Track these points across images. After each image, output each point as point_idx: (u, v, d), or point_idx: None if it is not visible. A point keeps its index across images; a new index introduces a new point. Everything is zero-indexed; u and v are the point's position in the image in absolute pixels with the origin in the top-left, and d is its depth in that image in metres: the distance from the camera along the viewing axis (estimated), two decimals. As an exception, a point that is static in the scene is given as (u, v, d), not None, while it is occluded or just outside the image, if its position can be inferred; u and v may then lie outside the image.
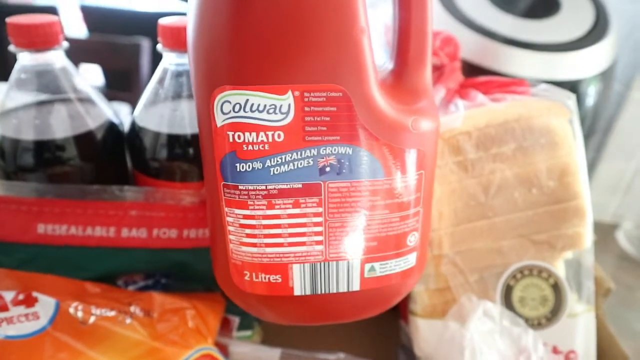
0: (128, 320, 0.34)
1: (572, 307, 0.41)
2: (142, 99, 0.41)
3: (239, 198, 0.29)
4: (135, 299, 0.37)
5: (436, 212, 0.39)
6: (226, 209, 0.29)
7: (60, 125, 0.39)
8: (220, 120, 0.27)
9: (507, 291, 0.40)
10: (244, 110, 0.26)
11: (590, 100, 0.83)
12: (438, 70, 0.45)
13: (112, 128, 0.42)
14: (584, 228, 0.41)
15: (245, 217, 0.29)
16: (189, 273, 0.42)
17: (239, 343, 0.42)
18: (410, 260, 0.33)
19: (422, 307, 0.41)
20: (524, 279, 0.40)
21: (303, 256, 0.30)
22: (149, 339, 0.34)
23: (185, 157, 0.40)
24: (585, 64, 0.54)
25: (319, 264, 0.30)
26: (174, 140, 0.40)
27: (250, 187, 0.28)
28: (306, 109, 0.27)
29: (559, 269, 0.42)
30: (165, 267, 0.41)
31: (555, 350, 0.40)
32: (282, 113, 0.26)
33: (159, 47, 0.39)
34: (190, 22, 0.27)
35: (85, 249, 0.39)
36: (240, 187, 0.28)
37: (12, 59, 0.38)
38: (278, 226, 0.29)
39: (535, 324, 0.40)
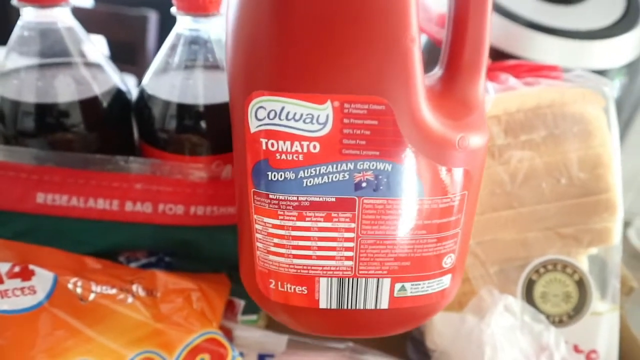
0: (130, 300, 0.32)
1: (596, 306, 0.39)
2: (152, 65, 0.39)
3: (269, 207, 0.27)
4: (137, 277, 0.35)
5: None
6: (255, 216, 0.28)
7: (65, 89, 0.37)
8: (254, 126, 0.25)
9: (529, 286, 0.38)
10: (279, 118, 0.25)
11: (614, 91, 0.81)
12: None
13: (119, 95, 0.40)
14: (614, 223, 0.39)
15: (275, 226, 0.28)
16: (195, 252, 0.40)
17: (244, 327, 0.40)
18: (445, 282, 0.31)
19: None
20: (547, 274, 0.38)
21: (331, 270, 0.29)
22: (152, 320, 0.32)
23: (196, 129, 0.38)
24: (611, 54, 0.52)
25: (347, 279, 0.29)
26: (185, 110, 0.38)
27: (281, 197, 0.27)
28: (345, 120, 0.25)
29: (583, 264, 0.40)
30: (169, 245, 0.39)
31: (576, 349, 0.39)
32: (319, 123, 0.25)
33: (173, 10, 0.36)
34: (229, 20, 0.25)
35: (87, 221, 0.37)
36: (270, 196, 0.27)
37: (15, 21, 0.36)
38: (307, 238, 0.28)
39: (557, 321, 0.38)
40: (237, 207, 0.30)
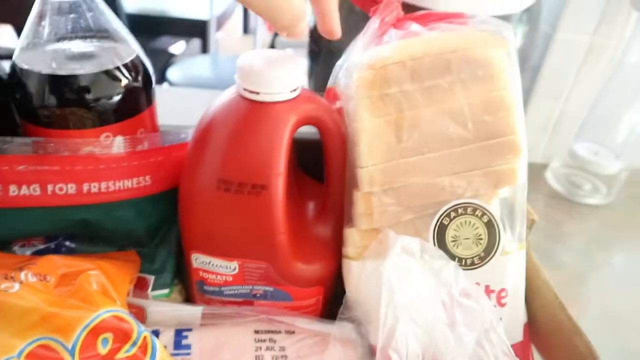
0: (15, 288, 0.30)
1: (505, 246, 0.40)
2: (22, 36, 0.36)
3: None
4: (28, 264, 0.32)
5: (366, 147, 0.37)
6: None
7: None
8: (194, 264, 0.39)
9: (441, 230, 0.39)
10: (209, 265, 0.39)
11: (517, 41, 0.83)
12: (375, 3, 0.42)
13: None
14: (518, 164, 0.39)
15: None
16: (96, 233, 0.38)
17: (156, 303, 0.38)
18: None
19: (354, 249, 0.39)
20: (458, 218, 0.39)
21: None
22: (44, 304, 0.30)
23: (78, 101, 0.35)
24: (511, 1, 0.52)
25: None
26: (64, 82, 0.35)
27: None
28: (245, 268, 0.38)
29: (494, 208, 0.40)
30: (65, 227, 0.37)
31: (488, 290, 0.40)
32: (231, 269, 0.38)
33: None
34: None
35: (-34, 211, 0.34)
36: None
37: None
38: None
39: (469, 264, 0.39)
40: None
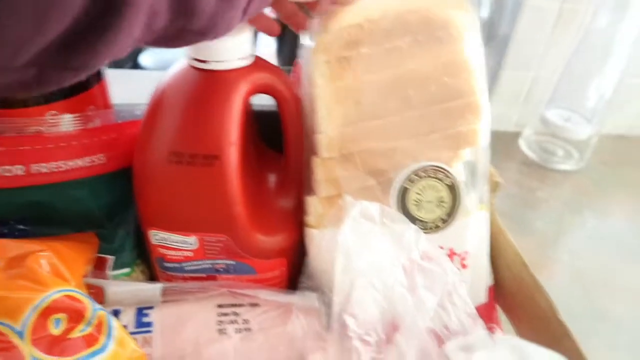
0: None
1: (467, 208, 0.39)
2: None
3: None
4: (-26, 249, 0.32)
5: (324, 112, 0.36)
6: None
7: None
8: (153, 241, 0.39)
9: (402, 194, 0.38)
10: (167, 241, 0.38)
11: (484, 10, 0.82)
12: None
13: None
14: (479, 125, 0.39)
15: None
16: (49, 215, 0.37)
17: (115, 282, 0.38)
18: None
19: (315, 216, 0.38)
20: (420, 181, 0.38)
21: None
22: (-10, 288, 0.29)
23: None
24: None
25: None
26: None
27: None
28: (205, 242, 0.38)
29: (458, 170, 0.40)
30: (15, 210, 0.36)
31: (452, 253, 0.40)
32: (190, 244, 0.38)
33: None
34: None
35: None
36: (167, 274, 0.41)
37: None
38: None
39: (433, 227, 0.39)
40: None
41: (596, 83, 0.82)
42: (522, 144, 0.92)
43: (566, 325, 0.35)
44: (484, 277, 0.41)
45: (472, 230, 0.40)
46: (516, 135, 0.95)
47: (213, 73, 0.33)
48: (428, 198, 0.39)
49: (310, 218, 0.38)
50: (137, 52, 2.07)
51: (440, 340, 0.32)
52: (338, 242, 0.31)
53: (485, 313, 0.40)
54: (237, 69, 0.33)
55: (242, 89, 0.33)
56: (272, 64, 0.36)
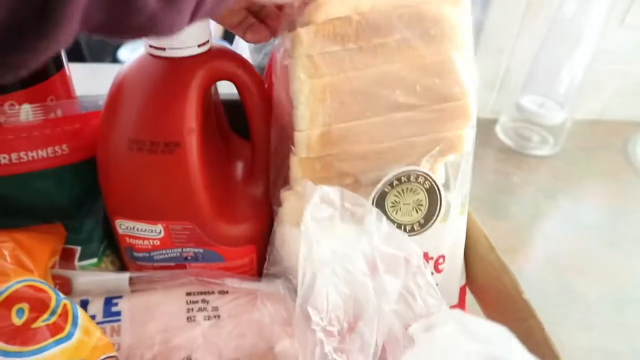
0: None
1: (446, 213, 0.38)
2: None
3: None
4: None
5: (306, 110, 0.34)
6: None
7: None
8: (120, 231, 0.39)
9: (381, 196, 0.37)
10: (134, 230, 0.38)
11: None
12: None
13: None
14: (466, 130, 0.37)
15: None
16: (13, 207, 0.37)
17: (83, 273, 0.38)
18: None
19: (291, 212, 0.37)
20: (400, 185, 0.37)
21: None
22: (-50, 281, 0.29)
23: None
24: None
25: None
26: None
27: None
28: (171, 230, 0.38)
29: (438, 174, 0.38)
30: (-23, 202, 0.36)
31: (426, 257, 0.39)
32: (156, 232, 0.38)
33: None
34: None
35: None
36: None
37: None
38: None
39: (408, 230, 0.38)
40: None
41: (567, 68, 0.84)
42: (499, 130, 0.93)
43: (531, 305, 0.35)
44: (456, 280, 0.41)
45: (450, 234, 0.39)
46: (493, 122, 0.96)
47: (170, 60, 0.33)
48: (406, 201, 0.38)
49: (284, 212, 0.37)
50: (116, 47, 2.05)
51: (406, 323, 0.32)
52: (300, 231, 0.31)
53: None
54: (194, 55, 0.33)
55: (200, 75, 0.33)
56: (231, 51, 0.36)
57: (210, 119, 0.38)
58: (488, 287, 0.40)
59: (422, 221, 0.38)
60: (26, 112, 0.36)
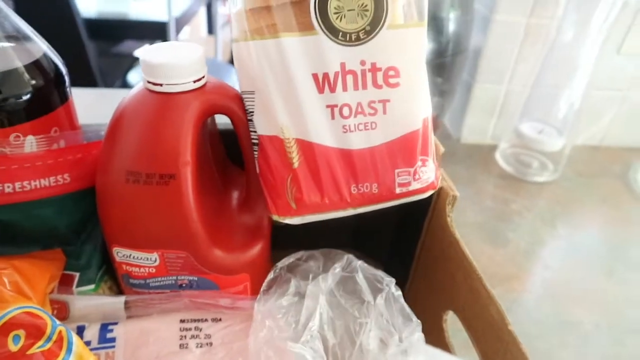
0: None
1: (395, 19, 0.35)
2: None
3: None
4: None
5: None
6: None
7: None
8: (117, 258, 0.40)
9: (322, 2, 0.34)
10: (130, 257, 0.39)
11: (450, 25, 0.85)
12: None
13: None
14: None
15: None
16: (18, 233, 0.38)
17: (78, 297, 0.39)
18: None
19: (243, 30, 0.35)
20: None
21: None
22: (-52, 308, 0.30)
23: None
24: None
25: None
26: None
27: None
28: (166, 258, 0.39)
29: None
30: (-17, 230, 0.37)
31: (374, 68, 0.35)
32: (152, 261, 0.39)
33: None
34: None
35: None
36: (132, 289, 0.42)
37: None
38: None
39: (354, 39, 0.35)
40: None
41: (566, 95, 0.85)
42: (499, 157, 0.93)
43: (515, 335, 0.36)
44: (419, 103, 0.38)
45: (400, 44, 0.36)
46: (493, 148, 0.97)
47: (166, 95, 0.34)
48: (350, 6, 0.34)
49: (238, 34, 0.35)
50: (126, 70, 2.10)
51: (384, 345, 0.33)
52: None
53: (421, 143, 0.38)
54: (189, 91, 0.35)
55: (195, 110, 0.35)
56: (225, 85, 0.38)
57: (206, 149, 0.40)
58: (476, 316, 0.41)
59: (368, 28, 0.35)
60: (30, 144, 0.37)
